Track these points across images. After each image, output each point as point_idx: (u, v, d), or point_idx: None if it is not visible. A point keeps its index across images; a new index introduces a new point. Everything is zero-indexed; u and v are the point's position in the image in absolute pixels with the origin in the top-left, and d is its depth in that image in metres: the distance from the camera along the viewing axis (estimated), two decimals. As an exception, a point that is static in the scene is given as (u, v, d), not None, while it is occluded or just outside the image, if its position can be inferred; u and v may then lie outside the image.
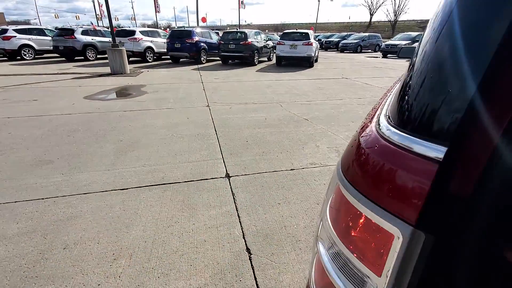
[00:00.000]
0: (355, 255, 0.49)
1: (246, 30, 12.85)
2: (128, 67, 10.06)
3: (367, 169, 0.49)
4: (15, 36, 13.43)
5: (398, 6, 61.66)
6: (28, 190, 2.55)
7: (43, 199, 2.43)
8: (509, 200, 0.34)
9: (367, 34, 27.08)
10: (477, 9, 0.41)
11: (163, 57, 15.04)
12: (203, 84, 8.10)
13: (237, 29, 14.04)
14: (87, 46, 13.69)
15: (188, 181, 2.74)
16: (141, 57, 13.67)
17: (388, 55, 19.27)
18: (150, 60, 13.99)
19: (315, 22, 52.69)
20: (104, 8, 9.45)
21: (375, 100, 6.20)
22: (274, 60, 14.36)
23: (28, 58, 13.90)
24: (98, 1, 43.93)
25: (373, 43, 25.00)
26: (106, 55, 10.27)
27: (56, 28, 16.13)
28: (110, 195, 2.50)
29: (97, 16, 46.66)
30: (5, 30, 13.52)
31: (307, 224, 2.14)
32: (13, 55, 13.65)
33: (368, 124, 0.59)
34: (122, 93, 6.87)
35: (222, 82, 8.41)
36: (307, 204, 2.40)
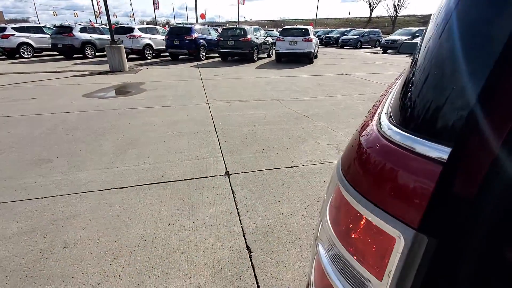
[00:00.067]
0: (355, 257, 0.48)
1: (245, 27, 12.78)
2: (127, 65, 10.02)
3: (367, 170, 0.47)
4: (14, 34, 13.35)
5: (398, 1, 61.17)
6: (27, 189, 2.55)
7: (42, 198, 2.42)
8: None
9: (367, 29, 26.91)
10: (482, 3, 0.39)
11: (162, 54, 14.98)
12: (203, 81, 8.06)
13: (236, 26, 13.95)
14: (86, 44, 13.62)
15: (187, 179, 2.74)
16: (140, 54, 13.60)
17: (388, 51, 19.17)
18: (149, 57, 13.92)
19: (314, 18, 52.37)
20: (102, 5, 9.38)
21: (375, 96, 6.17)
22: (273, 57, 14.29)
23: (26, 56, 13.82)
24: (96, -2, 43.63)
25: (373, 38, 24.85)
26: (105, 53, 10.22)
27: (54, 26, 16.03)
28: (110, 193, 2.49)
29: (96, 13, 46.38)
30: (4, 29, 13.43)
31: (307, 222, 2.14)
32: (12, 53, 13.57)
33: (369, 122, 0.58)
34: (121, 91, 6.84)
35: (221, 79, 8.37)
36: (307, 202, 2.39)
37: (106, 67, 9.95)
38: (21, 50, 13.66)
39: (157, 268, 1.72)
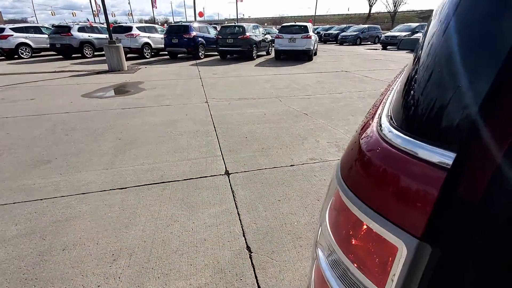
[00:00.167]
0: (355, 265, 0.46)
1: (244, 24, 12.70)
2: (126, 64, 9.98)
3: (367, 175, 0.46)
4: (12, 35, 13.30)
5: (398, -3, 60.89)
6: (26, 191, 2.54)
7: (41, 199, 2.41)
8: None
9: (366, 26, 26.79)
10: None
11: (161, 53, 14.92)
12: (202, 79, 8.03)
13: (235, 23, 13.88)
14: (84, 43, 13.57)
15: (187, 179, 2.72)
16: (138, 53, 13.55)
17: (388, 47, 19.09)
18: (147, 56, 13.87)
19: (313, 14, 52.14)
20: (100, 3, 9.33)
21: (375, 93, 6.15)
22: (272, 54, 14.23)
23: (25, 57, 13.78)
24: (94, -3, 43.45)
25: (373, 35, 24.74)
26: (103, 52, 10.18)
27: (52, 26, 15.96)
28: (109, 194, 2.48)
29: (94, 12, 46.22)
30: (2, 29, 13.38)
31: (307, 221, 2.13)
32: (11, 54, 13.53)
33: (369, 124, 0.56)
34: (120, 90, 6.82)
35: (220, 78, 8.34)
36: (307, 201, 2.38)
37: (104, 67, 9.92)
38: (20, 50, 13.62)
39: (157, 270, 1.71)
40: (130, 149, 3.40)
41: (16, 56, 13.67)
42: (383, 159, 0.44)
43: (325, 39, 27.90)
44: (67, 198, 2.44)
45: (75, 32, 13.25)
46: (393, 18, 61.62)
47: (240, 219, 2.16)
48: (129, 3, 63.26)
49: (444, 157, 0.36)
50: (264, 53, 14.88)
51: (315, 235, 0.64)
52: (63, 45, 13.16)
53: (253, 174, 2.82)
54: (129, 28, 13.53)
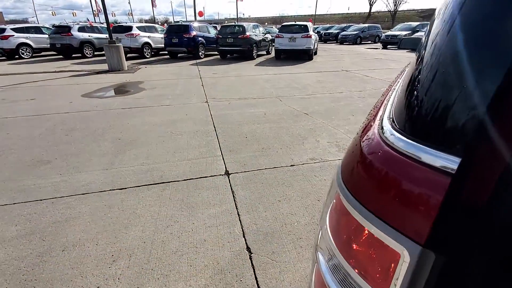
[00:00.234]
0: (356, 270, 0.45)
1: (244, 24, 12.69)
2: (126, 64, 9.98)
3: (368, 179, 0.44)
4: (13, 35, 13.29)
5: (398, -4, 60.76)
6: (26, 192, 2.53)
7: (41, 200, 2.41)
8: None
9: (366, 25, 26.72)
10: None
11: (161, 52, 14.91)
12: (202, 79, 8.02)
13: (235, 23, 13.86)
14: (84, 43, 13.56)
15: (187, 180, 2.72)
16: (138, 53, 13.55)
17: (388, 46, 19.06)
18: (147, 56, 13.87)
19: (314, 13, 52.06)
20: (100, 3, 9.33)
21: (375, 92, 6.13)
22: (273, 54, 14.21)
23: (26, 57, 13.78)
24: (94, -3, 43.43)
25: (373, 34, 24.68)
26: (103, 52, 10.17)
27: (53, 26, 15.96)
28: (109, 195, 2.48)
29: (94, 12, 46.21)
30: (3, 30, 13.39)
31: (308, 222, 2.12)
32: (12, 54, 13.52)
33: (370, 126, 0.55)
34: (120, 90, 6.81)
35: (220, 77, 8.33)
36: (307, 201, 2.37)
37: (105, 67, 9.91)
38: (20, 50, 13.62)
39: (157, 271, 1.70)
40: (130, 149, 3.39)
41: (17, 56, 13.67)
42: (385, 163, 0.43)
43: (325, 38, 27.86)
44: (66, 198, 2.43)
45: (75, 32, 13.25)
46: (394, 17, 61.50)
47: (240, 220, 2.15)
48: (129, 2, 63.24)
49: (448, 161, 0.35)
50: (264, 52, 14.87)
51: (315, 239, 0.63)
52: (63, 45, 13.16)
53: (253, 174, 2.81)
54: (129, 28, 13.52)
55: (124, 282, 1.63)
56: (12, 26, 14.29)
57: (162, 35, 13.82)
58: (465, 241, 0.33)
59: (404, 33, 18.68)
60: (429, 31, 0.49)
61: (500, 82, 0.32)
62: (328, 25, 35.60)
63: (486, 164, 0.32)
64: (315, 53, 13.77)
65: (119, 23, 17.64)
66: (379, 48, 18.67)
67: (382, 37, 20.36)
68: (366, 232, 0.43)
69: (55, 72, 9.53)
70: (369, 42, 24.78)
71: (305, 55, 12.29)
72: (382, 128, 0.49)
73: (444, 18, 0.43)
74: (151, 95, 6.15)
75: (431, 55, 0.44)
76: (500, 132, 0.31)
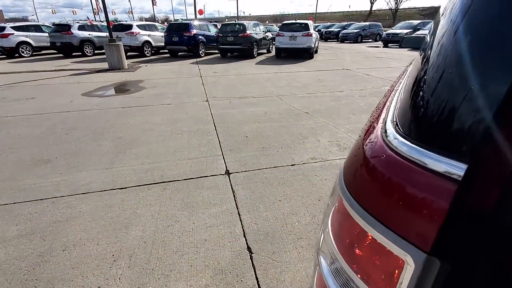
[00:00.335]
0: (359, 276, 0.45)
1: (244, 22, 12.66)
2: (126, 62, 9.96)
3: (371, 183, 0.44)
4: (13, 34, 13.27)
5: (399, -6, 60.46)
6: (27, 191, 2.53)
7: (42, 199, 2.41)
8: None
9: (367, 23, 26.62)
10: None
11: (161, 51, 14.88)
12: (202, 78, 8.01)
13: (235, 21, 13.81)
14: (84, 42, 13.55)
15: (187, 179, 2.71)
16: (139, 51, 13.52)
17: (389, 45, 18.99)
18: (148, 55, 13.84)
19: (314, 12, 51.90)
20: (100, 1, 9.30)
21: (376, 91, 6.11)
22: (273, 52, 14.17)
23: (26, 55, 13.77)
24: (94, -5, 43.33)
25: (374, 32, 24.59)
26: (103, 51, 10.15)
27: (53, 24, 15.93)
28: (109, 194, 2.47)
29: (94, 10, 46.12)
30: (3, 28, 13.36)
31: (308, 221, 2.11)
32: (11, 52, 13.50)
33: (373, 128, 0.54)
34: (120, 89, 6.80)
35: (221, 76, 8.31)
36: (308, 201, 2.36)
37: (105, 65, 9.90)
38: (20, 49, 13.60)
39: (157, 271, 1.70)
40: (130, 149, 3.38)
41: (17, 55, 13.65)
42: (388, 168, 0.42)
43: (326, 36, 27.76)
44: (67, 198, 2.43)
45: (75, 31, 13.24)
46: (395, 15, 61.22)
47: (240, 220, 2.15)
48: (129, 1, 63.06)
49: (453, 167, 0.34)
50: (265, 51, 14.82)
51: (317, 242, 0.63)
52: (64, 44, 13.15)
53: (254, 173, 2.80)
54: (129, 26, 13.49)
55: (125, 282, 1.63)
56: (12, 24, 14.27)
57: (162, 34, 13.80)
58: (471, 248, 0.33)
59: (405, 31, 18.61)
60: (435, 30, 0.47)
61: (510, 84, 0.31)
62: (329, 24, 35.49)
63: (493, 169, 0.31)
64: (316, 52, 13.73)
65: (119, 21, 17.57)
66: (380, 47, 18.60)
67: (383, 36, 20.27)
68: (369, 237, 0.42)
69: (55, 70, 9.52)
70: (370, 40, 24.69)
71: (305, 54, 12.25)
72: (385, 131, 0.48)
73: (451, 18, 0.42)
74: (152, 94, 6.14)
75: (437, 56, 0.42)
76: (509, 136, 0.30)
